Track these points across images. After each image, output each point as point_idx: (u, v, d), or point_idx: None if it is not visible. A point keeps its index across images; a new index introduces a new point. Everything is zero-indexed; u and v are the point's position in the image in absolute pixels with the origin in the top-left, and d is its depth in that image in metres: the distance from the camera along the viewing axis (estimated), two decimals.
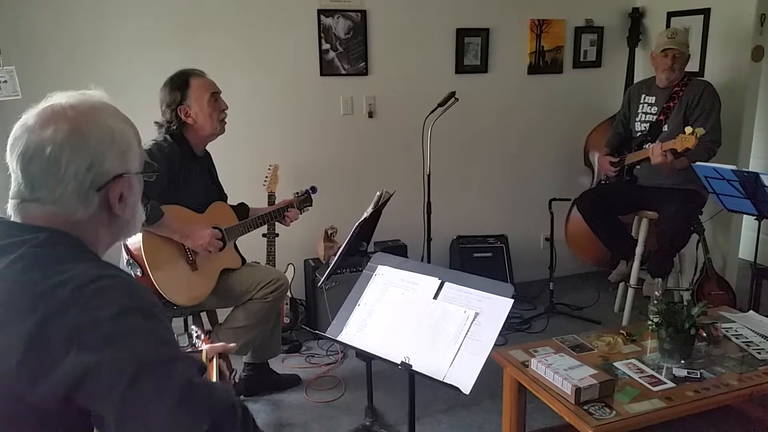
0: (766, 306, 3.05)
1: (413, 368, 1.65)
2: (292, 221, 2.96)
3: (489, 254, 4.01)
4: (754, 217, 2.80)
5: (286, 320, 3.44)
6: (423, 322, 1.72)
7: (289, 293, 3.33)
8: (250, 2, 3.46)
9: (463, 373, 1.59)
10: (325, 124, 3.74)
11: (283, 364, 3.25)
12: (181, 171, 2.54)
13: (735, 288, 3.65)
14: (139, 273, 2.38)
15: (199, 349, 1.39)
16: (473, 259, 3.98)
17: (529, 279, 4.16)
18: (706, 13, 3.84)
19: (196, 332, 1.51)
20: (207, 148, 2.77)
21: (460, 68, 3.96)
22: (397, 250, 3.67)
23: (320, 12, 3.57)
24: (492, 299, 1.69)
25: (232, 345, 1.46)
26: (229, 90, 2.79)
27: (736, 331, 2.52)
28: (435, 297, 1.76)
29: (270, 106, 3.61)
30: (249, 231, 2.81)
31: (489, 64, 4.03)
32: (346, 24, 3.63)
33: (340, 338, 1.86)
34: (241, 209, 2.87)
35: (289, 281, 3.10)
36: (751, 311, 2.77)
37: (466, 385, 1.57)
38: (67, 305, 0.91)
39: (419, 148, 3.49)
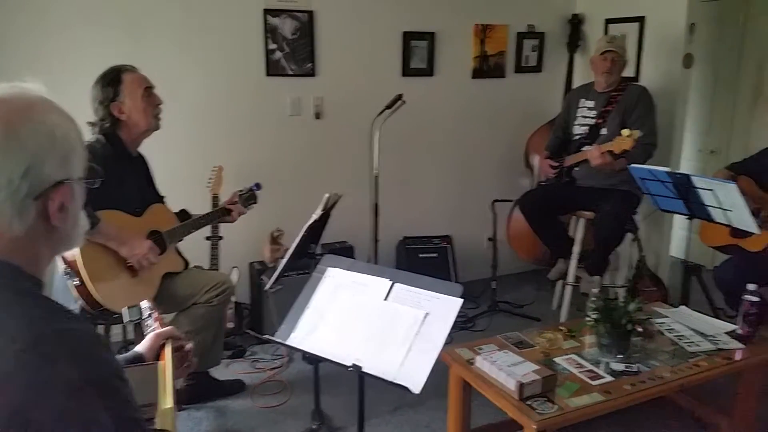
0: (695, 301, 3.20)
1: (364, 370, 1.66)
2: (239, 214, 2.90)
3: (434, 255, 4.07)
4: (686, 217, 2.94)
5: (231, 325, 3.38)
6: (373, 324, 1.74)
7: (233, 297, 3.28)
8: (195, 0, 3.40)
9: (413, 373, 1.61)
10: (271, 124, 3.71)
11: (227, 370, 3.20)
12: (115, 173, 2.46)
13: (667, 284, 3.83)
14: (77, 282, 2.29)
15: (151, 328, 1.34)
16: (419, 259, 4.03)
17: (473, 278, 4.24)
18: (641, 20, 4.01)
19: (149, 309, 1.42)
20: (142, 149, 2.69)
21: (407, 71, 4.00)
22: (344, 252, 3.67)
23: (266, 12, 3.53)
24: (441, 299, 1.72)
25: (180, 334, 1.38)
26: (172, 89, 2.74)
27: (669, 325, 2.64)
28: (385, 298, 1.78)
29: (214, 106, 3.55)
30: (191, 232, 2.75)
31: (435, 68, 4.09)
32: (293, 24, 3.61)
33: (289, 342, 1.85)
34: (182, 216, 2.79)
35: (234, 285, 3.05)
36: (682, 306, 2.91)
37: (416, 385, 1.59)
38: (9, 377, 0.77)
39: (367, 150, 3.51)
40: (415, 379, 1.60)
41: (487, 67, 4.28)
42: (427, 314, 1.71)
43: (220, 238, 3.24)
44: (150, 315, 1.40)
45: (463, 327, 3.69)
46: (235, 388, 3.03)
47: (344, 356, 1.70)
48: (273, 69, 3.62)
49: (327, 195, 2.70)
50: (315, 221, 2.62)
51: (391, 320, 1.73)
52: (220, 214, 2.87)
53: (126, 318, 1.38)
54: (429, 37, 4.02)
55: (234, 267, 3.45)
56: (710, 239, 3.13)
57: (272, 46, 3.59)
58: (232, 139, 3.62)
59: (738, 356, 2.41)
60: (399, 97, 3.42)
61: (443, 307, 1.71)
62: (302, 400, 2.94)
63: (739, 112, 4.57)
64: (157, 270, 2.57)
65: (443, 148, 4.26)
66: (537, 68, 4.47)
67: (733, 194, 2.60)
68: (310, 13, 3.65)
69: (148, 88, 2.56)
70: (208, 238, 3.22)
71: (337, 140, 3.88)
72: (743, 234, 2.84)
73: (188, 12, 3.39)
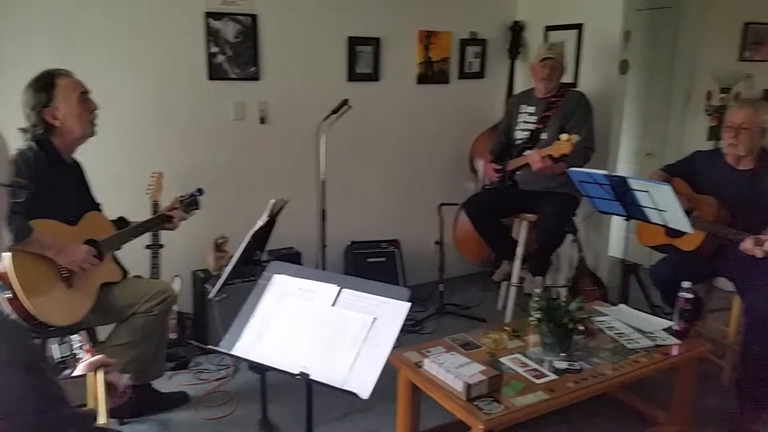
0: (634, 299, 3.32)
1: (311, 377, 1.64)
2: (181, 220, 2.82)
3: (382, 259, 4.08)
4: (623, 218, 3.04)
5: (173, 335, 3.29)
6: (321, 330, 1.72)
7: (175, 307, 3.19)
8: (133, 1, 3.29)
9: (361, 378, 1.60)
10: (214, 129, 3.63)
11: (170, 382, 3.11)
12: (49, 180, 2.36)
13: (606, 283, 3.95)
14: (9, 295, 2.18)
15: (82, 360, 1.30)
16: (367, 264, 4.03)
17: (421, 281, 4.27)
18: (579, 28, 4.14)
19: (79, 342, 1.39)
20: (78, 155, 2.60)
21: (353, 76, 4.00)
22: (291, 258, 3.64)
23: (208, 15, 3.47)
24: (389, 303, 1.71)
25: (112, 360, 1.36)
26: (109, 93, 2.66)
27: (609, 323, 2.73)
28: (333, 304, 1.77)
29: (154, 110, 3.45)
30: (129, 240, 2.66)
31: (380, 73, 4.10)
32: (236, 28, 3.55)
33: (234, 352, 1.81)
34: (120, 224, 2.70)
35: (176, 294, 2.97)
36: (621, 304, 3.01)
37: (364, 391, 1.58)
38: None
39: (313, 155, 3.49)
40: (363, 385, 1.59)
41: (431, 73, 4.33)
42: (375, 319, 1.70)
43: (161, 246, 3.15)
44: (81, 347, 1.37)
45: (411, 330, 3.71)
46: (179, 400, 2.95)
47: (291, 364, 1.68)
48: (215, 73, 3.55)
49: (273, 201, 2.66)
50: (260, 227, 2.58)
51: (339, 326, 1.72)
52: (160, 220, 2.79)
53: (57, 354, 1.35)
54: (374, 42, 4.03)
55: (176, 276, 3.35)
56: (646, 239, 3.25)
57: (214, 49, 3.52)
58: (173, 144, 3.53)
59: (675, 352, 2.51)
60: (345, 102, 3.41)
61: (391, 312, 1.71)
62: (249, 410, 2.88)
63: (673, 116, 4.78)
64: (94, 280, 2.48)
65: (390, 152, 4.28)
66: (480, 74, 4.54)
67: (667, 195, 2.70)
68: (254, 17, 3.60)
69: (84, 93, 2.47)
70: (148, 247, 3.13)
71: (283, 145, 3.84)
72: (678, 233, 2.96)
73: (126, 14, 3.28)
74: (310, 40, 3.83)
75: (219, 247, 3.41)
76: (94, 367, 1.30)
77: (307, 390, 1.77)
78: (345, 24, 3.92)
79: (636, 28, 4.19)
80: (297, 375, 1.65)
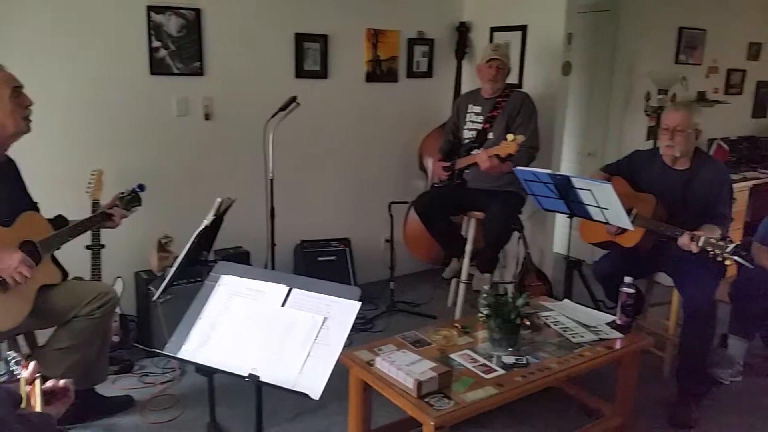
0: (577, 294, 3.41)
1: (261, 379, 1.61)
2: (122, 218, 2.72)
3: (333, 258, 4.06)
4: (567, 216, 3.12)
5: (116, 338, 3.18)
6: (271, 331, 1.69)
7: (118, 309, 3.09)
8: None
9: (312, 378, 1.59)
10: (156, 125, 3.53)
11: (113, 386, 3.01)
12: None
13: (551, 279, 4.04)
14: None
15: (18, 376, 1.25)
16: (317, 263, 4.00)
17: (372, 280, 4.27)
18: (523, 29, 4.22)
19: (14, 358, 1.35)
20: (12, 152, 2.47)
21: (300, 73, 3.96)
22: (239, 258, 3.57)
23: (150, 8, 3.36)
24: (340, 303, 1.70)
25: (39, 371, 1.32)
26: (45, 88, 2.55)
27: (554, 318, 2.79)
28: (283, 304, 1.74)
29: (93, 105, 3.33)
30: (68, 240, 2.54)
31: (329, 70, 4.08)
32: (179, 22, 3.46)
33: (180, 355, 1.76)
34: (59, 222, 2.59)
35: (118, 296, 2.87)
36: (566, 299, 3.09)
37: (316, 391, 1.57)
38: None
39: (261, 152, 3.43)
40: (314, 385, 1.58)
41: (380, 72, 4.33)
42: (325, 319, 1.69)
43: (102, 246, 3.04)
44: (18, 362, 1.32)
45: (362, 329, 3.71)
46: (124, 404, 2.86)
47: (240, 366, 1.64)
48: (157, 67, 3.45)
49: (219, 199, 2.60)
50: (207, 227, 2.52)
51: (289, 327, 1.69)
52: (100, 219, 2.68)
53: None
54: (322, 39, 4.00)
55: (118, 277, 3.24)
56: (589, 236, 3.34)
57: (156, 43, 3.42)
58: (113, 140, 3.41)
59: (618, 345, 2.59)
60: (293, 99, 3.38)
61: (342, 311, 1.70)
62: (196, 413, 2.82)
63: (613, 116, 4.93)
64: (33, 283, 2.36)
65: (340, 150, 4.26)
66: (428, 74, 4.57)
67: (608, 194, 2.79)
68: (197, 11, 3.52)
69: (17, 88, 2.35)
70: (88, 247, 3.01)
71: (229, 142, 3.77)
72: (619, 230, 3.05)
73: (63, 6, 3.15)
74: (256, 36, 3.77)
75: (163, 247, 3.32)
76: (29, 381, 1.25)
77: (257, 392, 1.74)
78: (292, 20, 3.88)
79: (578, 31, 4.30)
80: (246, 377, 1.62)
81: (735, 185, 3.38)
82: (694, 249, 2.69)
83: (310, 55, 3.99)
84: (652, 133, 4.94)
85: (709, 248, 2.63)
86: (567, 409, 2.92)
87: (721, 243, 2.61)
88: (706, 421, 2.86)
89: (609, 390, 2.83)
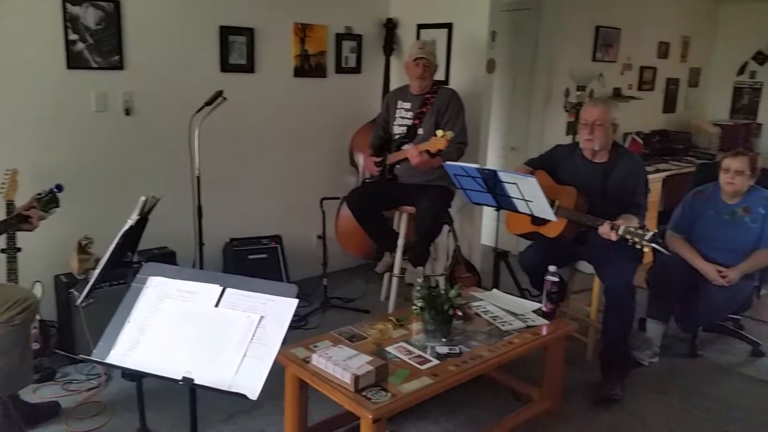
0: (505, 284, 3.52)
1: (196, 382, 1.57)
2: (39, 220, 2.57)
3: (264, 255, 4.00)
4: (494, 208, 3.22)
5: (36, 346, 3.02)
6: (204, 333, 1.65)
7: (38, 315, 2.93)
8: None
9: (249, 379, 1.57)
10: (74, 121, 3.36)
11: (35, 395, 2.86)
12: None
13: (480, 270, 4.15)
14: None
15: None
16: (248, 261, 3.94)
17: (304, 276, 4.24)
18: (449, 27, 4.29)
19: None
20: None
21: (226, 67, 3.87)
22: (164, 258, 3.47)
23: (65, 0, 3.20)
24: (276, 301, 1.69)
25: None
26: None
27: (484, 307, 2.88)
28: (216, 305, 1.71)
29: (5, 102, 3.13)
30: None
31: (255, 65, 4.01)
32: (97, 14, 3.31)
33: (109, 360, 1.69)
34: None
35: (38, 301, 2.73)
36: (494, 289, 3.18)
37: (253, 391, 1.55)
38: None
39: (186, 149, 3.34)
40: (251, 385, 1.56)
41: (308, 66, 4.30)
42: (262, 318, 1.67)
43: (18, 249, 2.88)
44: None
45: (296, 326, 3.68)
46: (50, 412, 2.72)
47: (173, 370, 1.60)
48: (74, 61, 3.29)
49: (143, 198, 2.51)
50: (131, 227, 2.43)
51: (224, 327, 1.66)
52: (15, 221, 2.53)
53: None
54: (248, 32, 3.93)
55: (36, 281, 3.07)
56: (515, 228, 3.45)
57: (73, 36, 3.26)
58: (28, 138, 3.22)
59: (544, 331, 2.70)
60: (219, 94, 3.31)
61: (278, 309, 1.68)
62: (125, 419, 2.72)
63: (534, 112, 5.11)
64: None
65: (269, 146, 4.20)
66: (356, 69, 4.58)
67: (533, 187, 2.89)
68: (116, 3, 3.37)
69: None
70: (3, 251, 2.84)
71: (153, 138, 3.64)
72: (542, 222, 3.18)
73: None
74: (178, 28, 3.66)
75: (83, 249, 3.17)
76: None
77: (191, 395, 1.70)
78: (216, 12, 3.78)
79: (501, 29, 4.42)
80: (180, 381, 1.58)
81: (649, 177, 3.58)
82: (614, 237, 2.83)
83: (236, 48, 3.91)
84: (571, 128, 5.15)
85: (629, 236, 2.78)
86: (498, 395, 3.01)
87: (640, 231, 2.76)
88: (628, 400, 3.02)
89: (537, 375, 2.95)
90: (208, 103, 3.30)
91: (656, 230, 2.76)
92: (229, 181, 4.02)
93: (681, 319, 3.59)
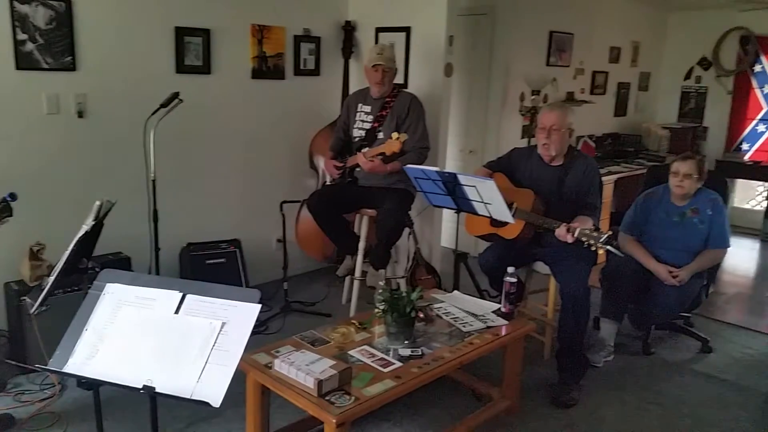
0: (464, 285, 3.55)
1: (157, 390, 1.55)
2: None
3: (222, 260, 3.94)
4: (454, 211, 3.25)
5: None
6: (165, 340, 1.63)
7: None
8: None
9: (212, 386, 1.55)
10: (24, 124, 3.25)
11: None
12: None
13: (440, 272, 4.19)
14: None
15: None
16: (206, 266, 3.86)
17: (264, 281, 4.20)
18: (407, 31, 4.32)
19: None
20: None
21: (182, 68, 3.80)
22: (119, 264, 3.37)
23: None
24: (238, 306, 1.67)
25: None
26: None
27: (445, 309, 2.91)
28: (177, 311, 1.68)
29: None
30: None
31: (212, 66, 3.95)
32: (47, 13, 3.21)
33: (66, 369, 1.64)
34: None
35: None
36: (455, 291, 3.22)
37: (215, 399, 1.53)
38: None
39: (141, 152, 3.26)
40: (214, 393, 1.54)
41: (266, 68, 4.26)
42: (224, 324, 1.65)
43: None
44: None
45: (256, 331, 3.59)
46: (2, 424, 2.63)
47: (134, 378, 1.57)
48: (24, 62, 3.18)
49: (98, 202, 2.45)
50: (86, 232, 2.36)
51: (185, 334, 1.64)
52: None
53: None
54: (204, 34, 3.87)
55: None
56: (474, 229, 3.49)
57: (22, 36, 3.15)
58: None
59: (503, 331, 2.74)
60: (176, 96, 3.24)
61: (241, 315, 1.67)
62: (81, 430, 2.65)
63: (491, 116, 5.18)
64: None
65: (227, 149, 4.14)
66: (315, 71, 4.56)
67: (491, 190, 2.94)
68: (68, 2, 3.28)
69: None
70: None
71: (107, 141, 3.55)
72: (501, 224, 3.23)
73: None
74: (133, 29, 3.58)
75: (35, 255, 3.06)
76: None
77: (151, 404, 1.67)
78: (171, 13, 3.72)
79: (458, 33, 4.47)
80: (141, 389, 1.55)
81: (602, 179, 3.68)
82: (570, 239, 2.90)
83: (192, 49, 3.85)
84: (527, 132, 5.26)
85: (584, 239, 2.85)
86: (458, 395, 3.05)
87: (595, 234, 2.83)
88: (585, 398, 3.09)
89: (496, 374, 3.00)
90: (163, 105, 3.23)
91: (610, 232, 2.84)
92: (186, 185, 3.95)
93: (634, 318, 3.71)
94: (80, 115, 3.43)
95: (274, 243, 4.31)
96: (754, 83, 6.47)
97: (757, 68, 6.43)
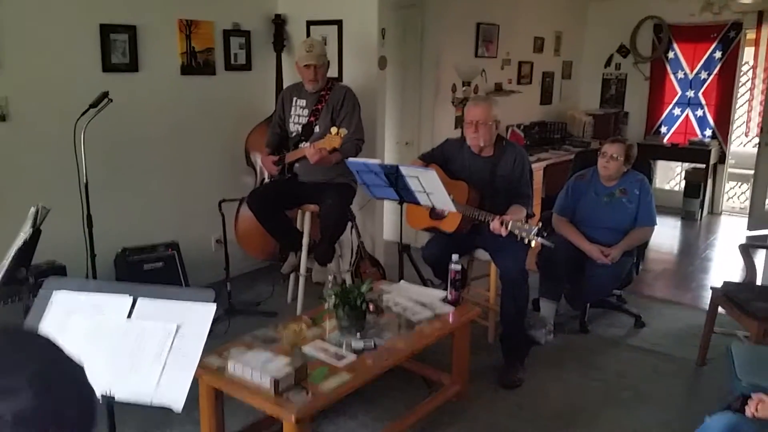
0: (408, 276, 3.58)
1: (116, 398, 1.50)
2: None
3: (160, 264, 3.82)
4: (397, 202, 3.28)
5: None
6: (119, 346, 1.57)
7: None
8: None
9: (172, 390, 1.51)
10: None
11: None
12: None
13: (384, 264, 4.23)
14: None
15: None
16: (143, 272, 3.73)
17: (206, 283, 4.09)
18: (339, 24, 4.31)
19: None
20: None
21: (108, 66, 3.65)
22: (55, 273, 3.20)
23: None
24: (193, 307, 1.64)
25: None
26: None
27: (394, 300, 2.94)
28: (129, 316, 1.62)
29: None
30: None
31: (140, 63, 3.81)
32: None
33: None
34: None
35: None
36: (402, 281, 3.26)
37: (177, 403, 1.50)
38: None
39: (72, 155, 3.12)
40: (175, 397, 1.51)
41: (196, 64, 4.15)
42: (179, 326, 1.61)
43: None
44: None
45: None
46: None
47: None
48: None
49: (34, 208, 2.33)
50: (25, 240, 2.24)
51: (139, 339, 1.59)
52: None
53: None
54: (130, 30, 3.73)
55: None
56: (415, 223, 3.54)
57: None
58: None
59: (451, 318, 2.81)
60: (105, 95, 3.11)
61: (196, 316, 1.64)
62: None
63: (425, 107, 5.26)
64: None
65: (160, 149, 4.01)
66: (247, 66, 4.48)
67: (433, 179, 2.99)
68: None
69: None
70: None
71: (33, 145, 3.37)
72: (440, 217, 3.30)
73: None
74: (55, 27, 3.41)
75: None
76: None
77: (108, 412, 1.61)
78: (95, 10, 3.56)
79: (390, 26, 4.49)
80: (99, 399, 1.49)
81: (532, 166, 3.80)
82: (504, 233, 2.96)
83: (118, 47, 3.70)
84: (460, 122, 5.35)
85: (516, 231, 2.92)
86: (410, 384, 3.09)
87: (526, 226, 2.91)
88: (529, 377, 3.21)
89: (445, 361, 3.06)
90: (93, 105, 3.10)
91: (540, 224, 2.94)
92: (119, 187, 3.80)
93: (570, 298, 3.87)
94: (3, 118, 3.25)
95: (213, 244, 4.22)
96: (669, 69, 6.85)
97: (671, 55, 6.81)
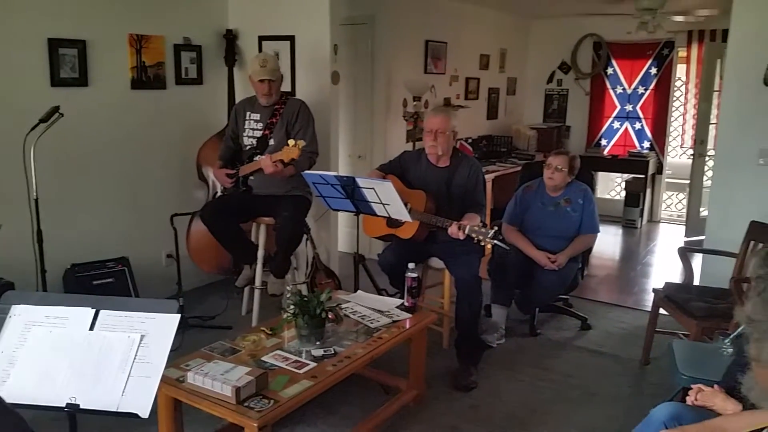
0: (362, 286, 3.64)
1: (81, 407, 1.50)
2: None
3: (110, 279, 3.77)
4: (354, 213, 3.34)
5: None
6: (83, 357, 1.57)
7: None
8: None
9: (138, 397, 1.52)
10: None
11: None
12: None
13: (339, 275, 4.27)
14: None
15: None
16: (93, 287, 3.67)
17: (157, 298, 4.03)
18: (291, 39, 4.37)
19: None
20: None
21: (57, 81, 3.60)
22: (3, 290, 3.12)
23: None
24: (156, 318, 1.65)
25: None
26: None
27: (352, 308, 3.00)
28: (91, 328, 1.63)
29: None
30: None
31: (89, 78, 3.77)
32: None
33: None
34: None
35: None
36: (359, 291, 3.32)
37: (143, 410, 1.51)
38: None
39: (21, 170, 3.06)
40: (141, 404, 1.52)
41: (146, 78, 4.13)
42: (143, 336, 1.62)
43: None
44: None
45: None
46: None
47: (55, 398, 1.51)
48: None
49: None
50: None
51: (103, 350, 1.59)
52: None
53: None
54: (80, 44, 3.69)
55: None
56: (371, 231, 3.62)
57: None
58: None
59: (408, 324, 2.88)
60: (56, 110, 3.08)
61: (159, 326, 1.65)
62: None
63: (377, 121, 5.36)
64: None
65: (110, 163, 3.96)
66: (198, 80, 4.48)
67: (389, 191, 3.07)
68: None
69: None
70: None
71: None
72: (397, 224, 3.38)
73: None
74: (1, 42, 3.34)
75: None
76: None
77: (71, 422, 1.61)
78: (42, 24, 3.51)
79: (341, 42, 4.58)
80: (64, 408, 1.49)
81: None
82: (461, 236, 3.09)
83: (67, 61, 3.66)
84: (411, 136, 5.49)
85: (474, 235, 3.05)
86: (368, 391, 3.14)
87: (483, 230, 3.04)
88: (483, 380, 3.31)
89: (401, 367, 3.13)
90: (43, 120, 3.06)
91: (496, 228, 3.06)
92: (68, 202, 3.73)
93: (520, 303, 4.00)
94: None
95: (164, 258, 4.17)
96: (608, 84, 7.19)
97: (610, 71, 7.15)
